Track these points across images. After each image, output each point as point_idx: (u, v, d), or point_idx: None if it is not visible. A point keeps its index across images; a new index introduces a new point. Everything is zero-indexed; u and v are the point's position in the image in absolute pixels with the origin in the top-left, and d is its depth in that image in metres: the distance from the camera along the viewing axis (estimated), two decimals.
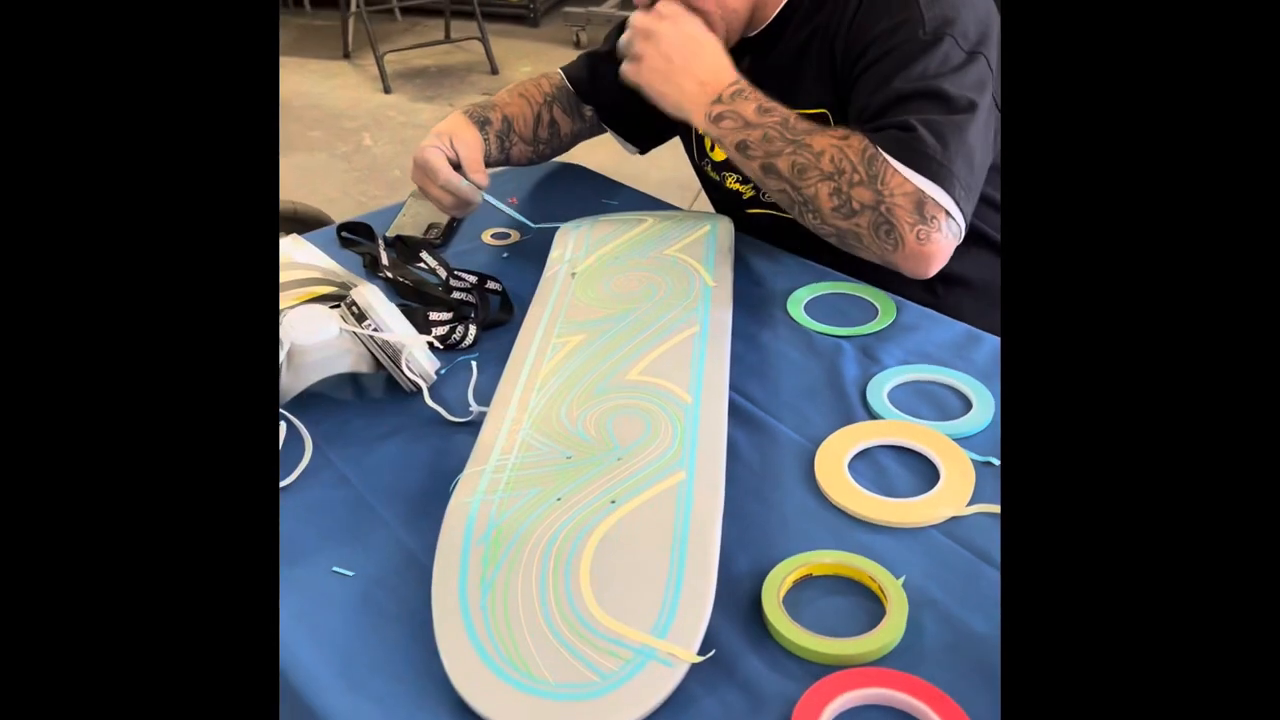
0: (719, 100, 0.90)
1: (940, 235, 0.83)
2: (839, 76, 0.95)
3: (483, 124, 1.11)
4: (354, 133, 3.48)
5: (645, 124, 1.22)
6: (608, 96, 1.20)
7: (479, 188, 1.05)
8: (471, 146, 1.07)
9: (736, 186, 1.10)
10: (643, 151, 1.26)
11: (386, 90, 3.83)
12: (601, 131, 1.25)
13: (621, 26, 1.19)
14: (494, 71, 3.98)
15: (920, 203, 0.83)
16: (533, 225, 1.11)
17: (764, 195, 0.90)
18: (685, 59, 0.92)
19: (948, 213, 0.84)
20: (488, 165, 1.11)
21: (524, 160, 1.19)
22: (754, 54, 1.02)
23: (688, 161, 1.20)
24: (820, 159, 0.86)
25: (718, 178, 1.12)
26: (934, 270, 0.86)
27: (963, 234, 0.86)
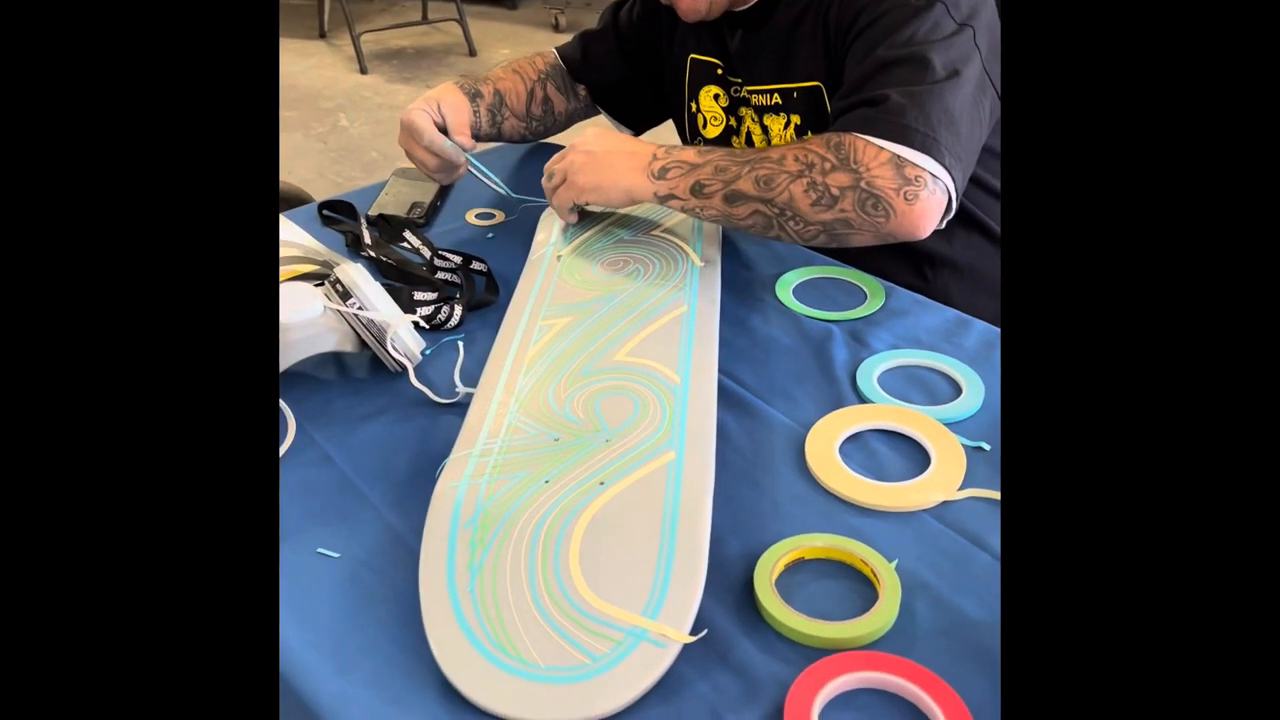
0: (655, 158, 0.90)
1: (927, 193, 0.82)
2: (832, 48, 0.94)
3: (473, 96, 1.11)
4: (330, 113, 3.44)
5: (638, 106, 1.21)
6: (601, 76, 1.19)
7: (463, 150, 1.05)
8: (458, 110, 1.08)
9: None
10: (636, 133, 1.25)
11: (363, 71, 3.79)
12: (596, 113, 1.24)
13: (618, 5, 1.18)
14: (472, 53, 3.95)
15: (899, 166, 0.82)
16: (516, 195, 1.10)
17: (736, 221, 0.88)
18: (604, 147, 0.93)
19: (932, 174, 0.82)
20: (478, 138, 1.11)
21: (517, 136, 1.19)
22: (745, 28, 1.01)
23: (679, 143, 1.19)
24: (783, 163, 0.84)
25: None
26: (928, 231, 0.84)
27: (953, 201, 0.85)
